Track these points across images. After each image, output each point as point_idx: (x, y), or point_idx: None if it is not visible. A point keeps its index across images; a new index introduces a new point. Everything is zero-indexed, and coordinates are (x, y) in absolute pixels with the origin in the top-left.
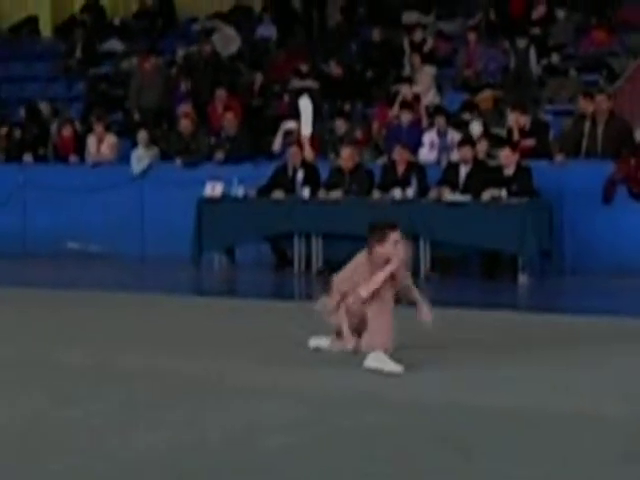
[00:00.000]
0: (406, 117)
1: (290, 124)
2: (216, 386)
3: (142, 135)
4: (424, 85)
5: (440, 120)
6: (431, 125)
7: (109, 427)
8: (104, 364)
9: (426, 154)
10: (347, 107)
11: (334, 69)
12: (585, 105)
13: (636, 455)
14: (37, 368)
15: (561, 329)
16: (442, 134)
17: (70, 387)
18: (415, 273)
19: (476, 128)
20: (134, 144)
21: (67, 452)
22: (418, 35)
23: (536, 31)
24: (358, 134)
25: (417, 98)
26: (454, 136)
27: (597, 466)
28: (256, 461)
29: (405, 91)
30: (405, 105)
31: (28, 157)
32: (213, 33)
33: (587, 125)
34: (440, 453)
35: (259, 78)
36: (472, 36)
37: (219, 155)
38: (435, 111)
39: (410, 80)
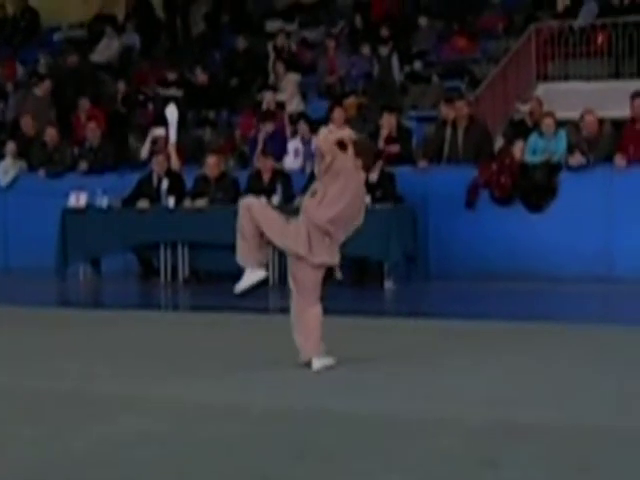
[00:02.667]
0: (268, 127)
1: (158, 131)
2: (81, 398)
3: (10, 147)
4: (288, 92)
5: (304, 127)
6: (295, 133)
7: None
8: None
9: (291, 162)
10: (212, 115)
11: (199, 77)
12: (446, 111)
13: (492, 460)
14: None
15: (426, 333)
16: (306, 141)
17: None
18: (282, 282)
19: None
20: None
21: None
22: (281, 42)
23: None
24: (222, 142)
25: (281, 106)
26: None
27: (455, 470)
28: (118, 474)
29: (269, 99)
30: (267, 115)
31: None
32: (101, 39)
33: (448, 131)
34: (293, 462)
35: (122, 87)
36: (331, 43)
37: (83, 165)
38: (298, 118)
39: (274, 88)
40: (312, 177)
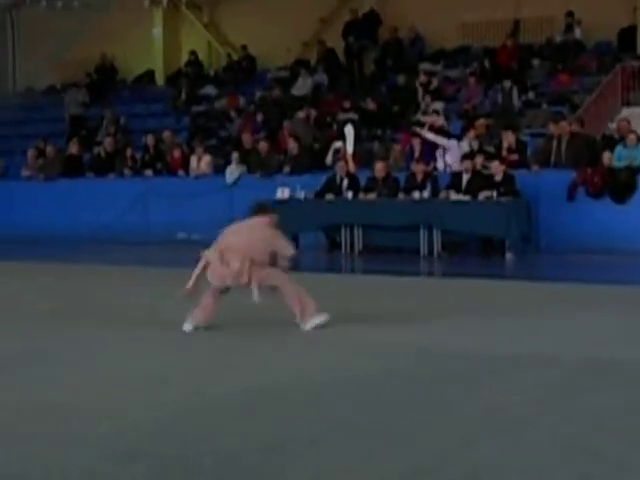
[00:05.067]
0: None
1: (338, 144)
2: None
3: (235, 155)
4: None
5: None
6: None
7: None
8: None
9: (438, 165)
10: (379, 132)
11: (369, 105)
12: (553, 129)
13: (586, 388)
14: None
15: (537, 292)
16: (446, 150)
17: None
18: (430, 253)
19: (474, 146)
20: (226, 162)
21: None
22: (425, 80)
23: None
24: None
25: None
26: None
27: (558, 395)
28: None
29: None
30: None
31: (149, 172)
32: (298, 78)
33: (554, 143)
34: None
35: (314, 113)
36: (472, 79)
37: (286, 168)
38: (442, 133)
39: (424, 112)
40: (453, 177)
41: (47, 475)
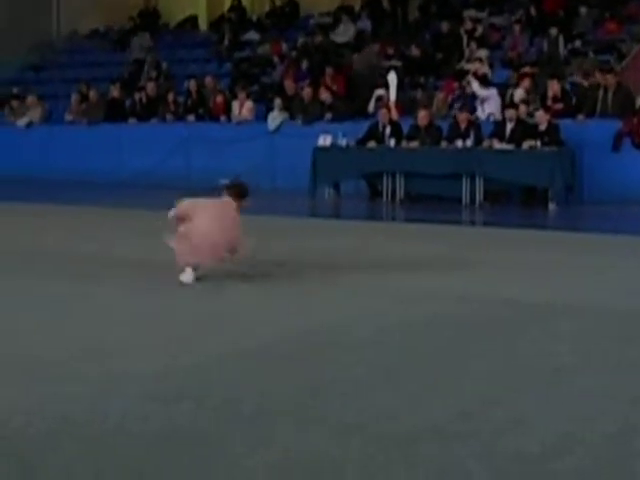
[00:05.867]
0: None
1: (380, 92)
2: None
3: (278, 102)
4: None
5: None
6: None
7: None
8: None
9: (481, 114)
10: (422, 80)
11: (413, 52)
12: (599, 78)
13: (629, 338)
14: None
15: (580, 243)
16: (489, 98)
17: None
18: (472, 202)
19: (518, 95)
20: (268, 108)
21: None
22: (470, 26)
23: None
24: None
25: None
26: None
27: (600, 344)
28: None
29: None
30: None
31: (191, 117)
32: (339, 24)
33: (600, 93)
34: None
35: (357, 59)
36: (517, 27)
37: (328, 115)
38: (484, 81)
39: (468, 60)
40: (497, 125)
41: (90, 415)
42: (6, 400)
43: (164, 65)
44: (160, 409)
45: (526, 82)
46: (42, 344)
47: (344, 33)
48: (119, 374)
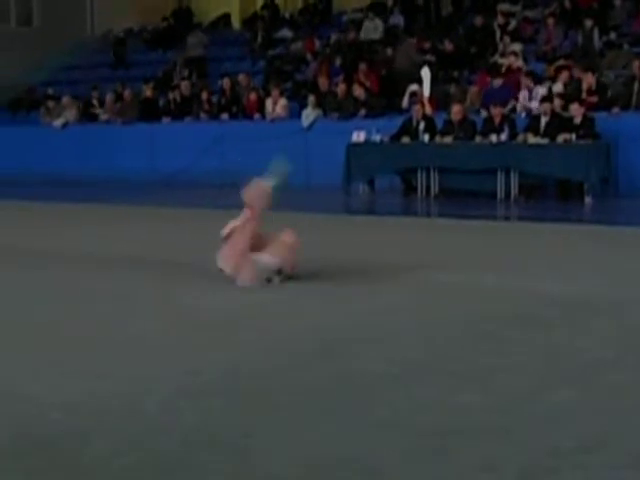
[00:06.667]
0: (497, 82)
1: (414, 87)
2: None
3: (311, 99)
4: (512, 57)
5: (529, 82)
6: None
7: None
8: None
9: (517, 108)
10: (456, 74)
11: (447, 46)
12: (636, 70)
13: None
14: None
15: (617, 237)
16: (530, 91)
17: None
18: (507, 197)
19: (555, 88)
20: (301, 105)
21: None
22: (502, 21)
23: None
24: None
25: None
26: (539, 92)
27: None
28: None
29: (503, 62)
30: (498, 72)
31: (225, 115)
32: (364, 22)
33: (636, 85)
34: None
35: (390, 54)
36: (551, 20)
37: (362, 111)
38: (526, 75)
39: (502, 54)
40: (531, 119)
41: (127, 410)
42: (41, 396)
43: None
44: (194, 404)
45: (564, 75)
46: (76, 341)
47: (374, 30)
48: (155, 370)
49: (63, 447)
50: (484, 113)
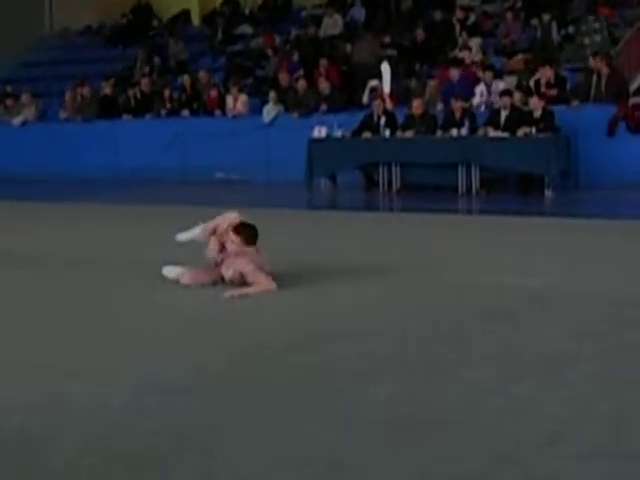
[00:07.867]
0: (455, 75)
1: (374, 82)
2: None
3: (272, 95)
4: (473, 51)
5: (488, 75)
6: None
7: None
8: None
9: (477, 102)
10: (417, 68)
11: (406, 41)
12: (593, 63)
13: (630, 322)
14: None
15: (577, 230)
16: (489, 86)
17: None
18: (468, 191)
19: (512, 82)
20: (262, 101)
21: None
22: (461, 15)
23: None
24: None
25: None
26: (499, 86)
27: (602, 329)
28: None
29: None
30: (457, 64)
31: (185, 112)
32: (323, 18)
33: (594, 79)
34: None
35: (349, 49)
36: (509, 14)
37: (323, 107)
38: (484, 68)
39: (461, 48)
40: (491, 113)
41: (93, 409)
42: (5, 399)
43: (156, 60)
44: (160, 403)
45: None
46: (44, 344)
47: (334, 25)
48: (127, 369)
49: (29, 448)
50: (440, 106)
